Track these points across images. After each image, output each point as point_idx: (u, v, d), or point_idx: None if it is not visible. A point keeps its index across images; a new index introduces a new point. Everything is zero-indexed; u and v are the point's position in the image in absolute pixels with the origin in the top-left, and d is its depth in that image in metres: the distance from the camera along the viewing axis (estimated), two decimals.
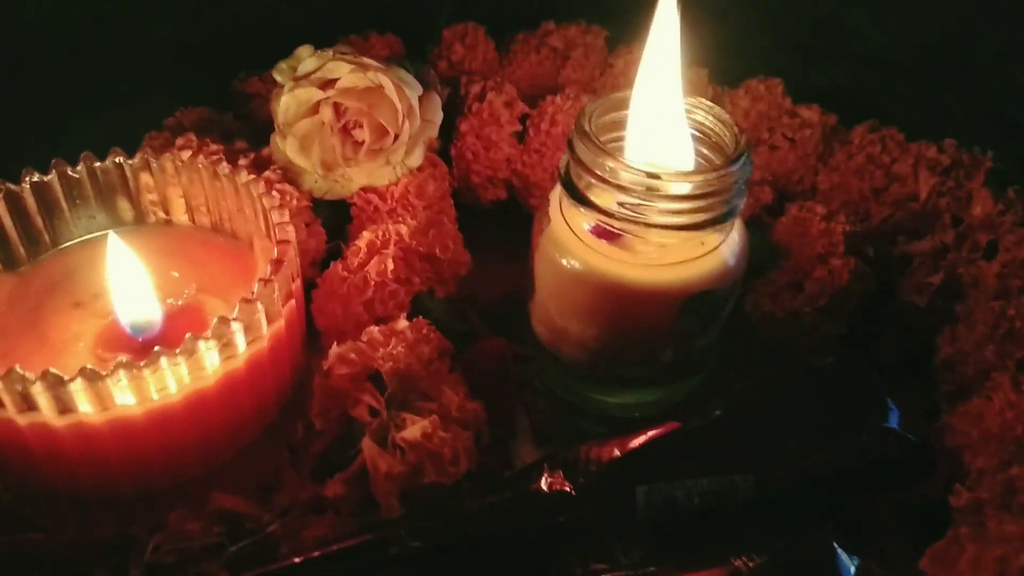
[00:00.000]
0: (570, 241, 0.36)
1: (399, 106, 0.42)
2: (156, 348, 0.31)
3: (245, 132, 0.47)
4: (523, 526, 0.33)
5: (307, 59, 0.42)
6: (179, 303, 0.37)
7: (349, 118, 0.42)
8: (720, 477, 0.33)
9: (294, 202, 0.43)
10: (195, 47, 0.53)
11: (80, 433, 0.31)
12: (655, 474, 0.33)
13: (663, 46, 0.35)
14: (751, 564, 0.30)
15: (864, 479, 0.35)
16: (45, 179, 0.38)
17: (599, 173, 0.33)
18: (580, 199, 0.34)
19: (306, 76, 0.42)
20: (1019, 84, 0.57)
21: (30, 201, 0.38)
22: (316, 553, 0.31)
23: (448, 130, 0.48)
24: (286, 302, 0.35)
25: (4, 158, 0.41)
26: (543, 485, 0.33)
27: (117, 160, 0.40)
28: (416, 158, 0.44)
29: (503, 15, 0.55)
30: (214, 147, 0.43)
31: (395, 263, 0.39)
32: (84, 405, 0.31)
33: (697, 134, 0.36)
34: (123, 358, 0.30)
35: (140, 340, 0.35)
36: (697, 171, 0.35)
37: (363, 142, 0.42)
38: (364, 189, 0.44)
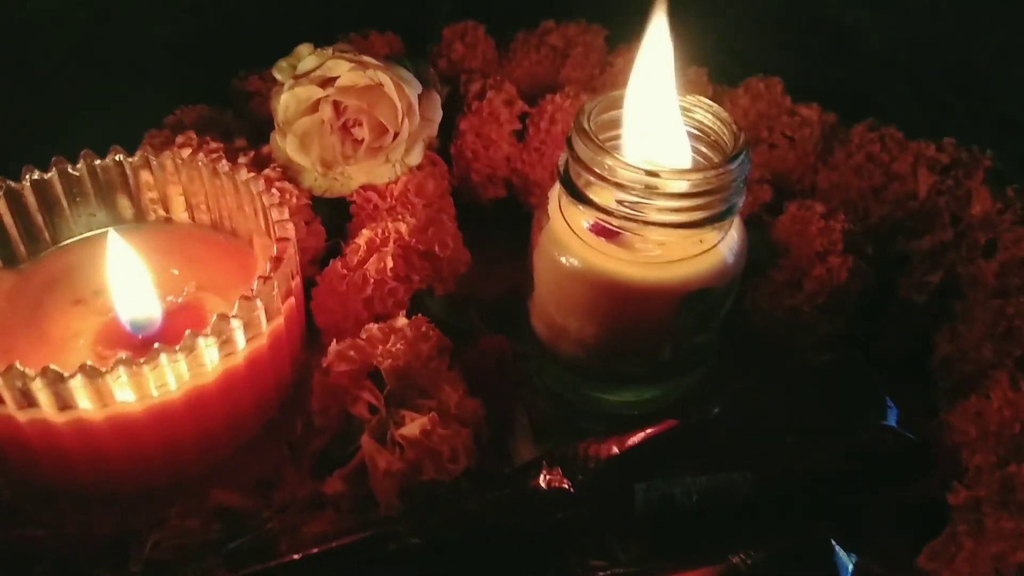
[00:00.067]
0: (569, 239, 0.36)
1: (399, 104, 0.42)
2: (156, 345, 0.31)
3: (245, 130, 0.47)
4: (522, 523, 0.33)
5: (307, 57, 0.42)
6: (179, 300, 0.37)
7: (349, 116, 0.42)
8: (718, 475, 0.33)
9: (294, 200, 0.43)
10: (195, 45, 0.53)
11: (80, 430, 0.31)
12: (654, 471, 0.33)
13: (657, 48, 0.35)
14: (749, 561, 0.30)
15: (862, 477, 0.35)
16: (45, 177, 0.38)
17: (598, 171, 0.33)
18: (579, 197, 0.34)
19: (306, 74, 0.42)
20: (1018, 83, 0.58)
21: (30, 199, 0.38)
22: (315, 550, 0.31)
23: (448, 128, 0.48)
24: (285, 299, 0.35)
25: (5, 156, 0.41)
26: (542, 482, 0.33)
27: (117, 158, 0.40)
28: (416, 156, 0.44)
29: (503, 14, 0.55)
30: (214, 145, 0.44)
31: (394, 261, 0.39)
32: (84, 402, 0.31)
33: (696, 132, 0.36)
34: (123, 355, 0.30)
35: (140, 337, 0.35)
36: (696, 169, 0.35)
37: (363, 140, 0.42)
38: (364, 187, 0.44)
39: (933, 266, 0.41)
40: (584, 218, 0.35)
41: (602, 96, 0.36)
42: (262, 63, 0.48)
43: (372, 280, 0.39)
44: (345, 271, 0.40)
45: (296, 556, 0.31)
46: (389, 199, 0.44)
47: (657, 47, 0.35)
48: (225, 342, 0.33)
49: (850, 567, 0.30)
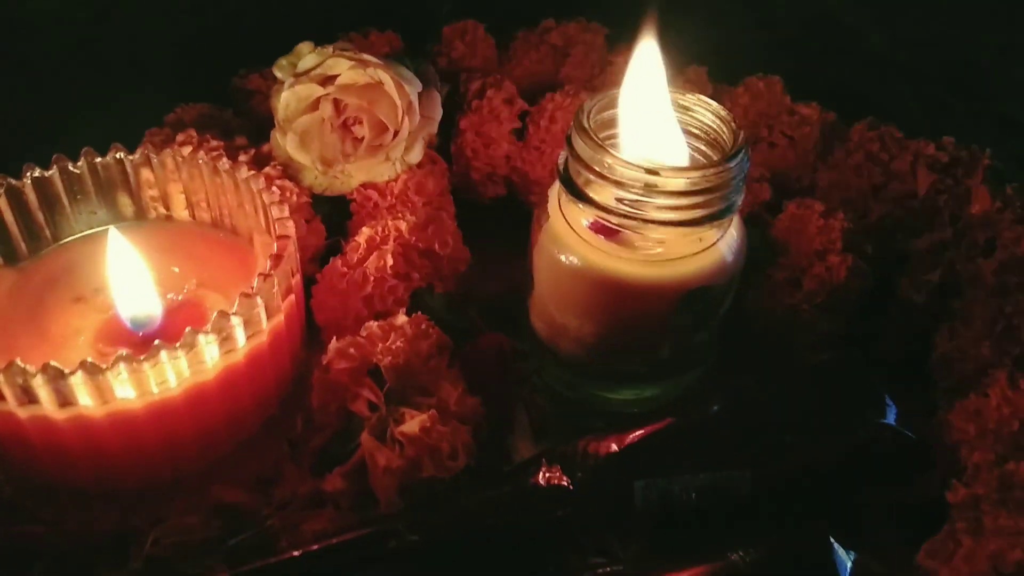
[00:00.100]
0: (569, 237, 0.36)
1: (399, 102, 0.42)
2: (156, 342, 0.31)
3: (245, 128, 0.48)
4: (521, 521, 0.33)
5: (307, 55, 0.42)
6: (179, 298, 0.37)
7: (349, 114, 0.42)
8: (718, 473, 0.33)
9: (294, 198, 0.43)
10: (195, 44, 0.53)
11: (80, 426, 0.31)
12: (653, 469, 0.33)
13: (648, 59, 0.35)
14: (748, 559, 0.31)
15: (861, 475, 0.35)
16: (46, 174, 0.39)
17: (597, 169, 0.33)
18: (579, 195, 0.34)
19: (306, 72, 0.42)
20: (1018, 83, 0.58)
21: (31, 196, 0.38)
22: (315, 546, 0.31)
23: (448, 127, 0.48)
24: (285, 297, 0.35)
25: (6, 154, 0.41)
26: (541, 480, 0.33)
27: (118, 156, 0.40)
28: (416, 154, 0.44)
29: (503, 12, 0.55)
30: (214, 143, 0.44)
31: (394, 259, 0.39)
32: (84, 398, 0.31)
33: (695, 131, 0.36)
34: (123, 351, 0.30)
35: (140, 335, 0.35)
36: (695, 167, 0.35)
37: (363, 138, 0.43)
38: (364, 185, 0.45)
39: (932, 265, 0.41)
40: (584, 216, 0.35)
41: (602, 94, 0.36)
42: (262, 61, 0.48)
43: (372, 278, 0.39)
44: (345, 269, 0.40)
45: (296, 553, 0.31)
46: (389, 197, 0.44)
47: (647, 59, 0.35)
48: (225, 339, 0.33)
49: (849, 564, 0.30)
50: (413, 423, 0.33)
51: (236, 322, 0.33)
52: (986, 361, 0.37)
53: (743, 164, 0.33)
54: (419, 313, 0.37)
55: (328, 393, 0.35)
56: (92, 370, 0.30)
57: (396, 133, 0.43)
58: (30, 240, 0.39)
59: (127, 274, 0.36)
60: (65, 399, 0.31)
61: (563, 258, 0.36)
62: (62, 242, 0.40)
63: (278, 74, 0.43)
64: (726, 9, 0.59)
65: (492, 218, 0.48)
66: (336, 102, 0.42)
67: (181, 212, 0.42)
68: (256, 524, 0.33)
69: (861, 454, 0.35)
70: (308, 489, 0.35)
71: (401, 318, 0.37)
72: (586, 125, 0.34)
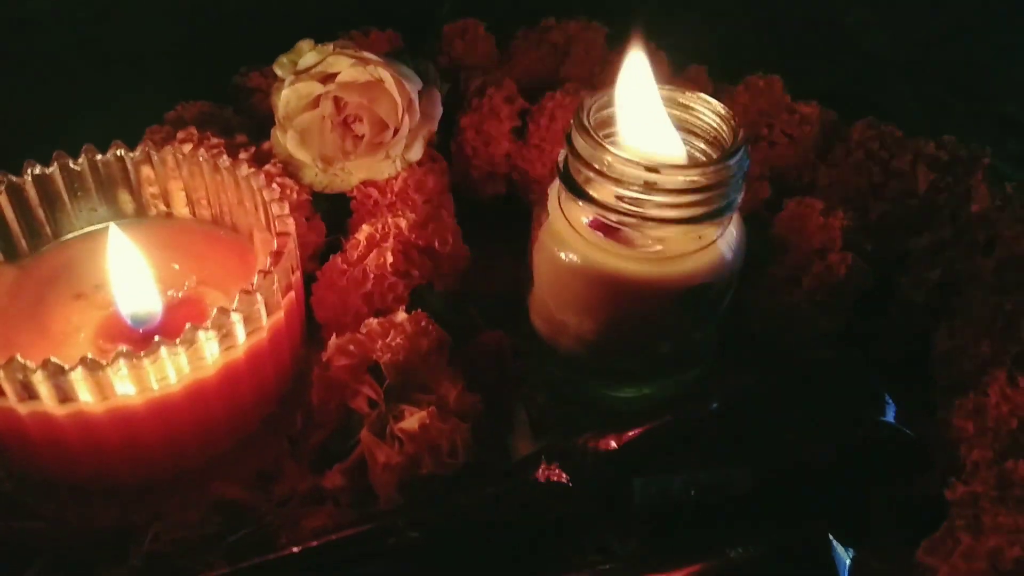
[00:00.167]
0: (569, 235, 0.36)
1: (399, 100, 0.42)
2: (156, 338, 0.31)
3: (246, 126, 0.48)
4: (520, 517, 0.33)
5: (308, 53, 0.42)
6: (179, 295, 0.38)
7: (349, 112, 0.42)
8: (716, 469, 0.33)
9: (294, 195, 0.43)
10: (196, 42, 0.54)
11: (80, 422, 0.31)
12: (652, 466, 0.33)
13: (639, 57, 0.35)
14: (747, 556, 0.31)
15: (861, 473, 0.35)
16: (47, 171, 0.39)
17: (597, 167, 0.33)
18: (579, 193, 0.34)
19: (307, 70, 0.42)
20: (1018, 82, 0.58)
21: (32, 193, 0.38)
22: (315, 543, 0.31)
23: (448, 125, 0.48)
24: (285, 294, 0.35)
25: (6, 151, 0.41)
26: (540, 476, 0.33)
27: (118, 153, 0.40)
28: (416, 152, 0.44)
29: (503, 11, 0.55)
30: (215, 141, 0.44)
31: (394, 256, 0.39)
32: (84, 394, 0.31)
33: (695, 129, 0.36)
34: (123, 348, 0.30)
35: (141, 331, 0.35)
36: (695, 164, 0.35)
37: (363, 136, 0.43)
38: (364, 183, 0.45)
39: (932, 263, 0.41)
40: (584, 214, 0.35)
41: (602, 92, 0.36)
42: (263, 59, 0.48)
43: (372, 275, 0.39)
44: (345, 266, 0.40)
45: (296, 549, 0.31)
46: (389, 195, 0.44)
47: (639, 62, 0.35)
48: (225, 336, 0.33)
49: (848, 562, 0.30)
50: (412, 420, 0.33)
51: (236, 319, 0.33)
52: (985, 359, 0.37)
53: (743, 162, 0.33)
54: (419, 310, 0.37)
55: (328, 390, 0.35)
56: (92, 366, 0.30)
57: (396, 131, 0.43)
58: (31, 237, 0.39)
59: (127, 271, 0.36)
60: (65, 395, 0.31)
61: (563, 256, 0.36)
62: (63, 239, 0.40)
63: (278, 72, 0.43)
64: (726, 8, 0.59)
65: (492, 216, 0.48)
66: (336, 100, 0.42)
67: (181, 209, 0.42)
68: (256, 520, 0.33)
69: (860, 452, 0.35)
70: (308, 486, 0.35)
71: (401, 315, 0.37)
72: (586, 123, 0.34)
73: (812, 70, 0.57)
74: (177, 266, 0.39)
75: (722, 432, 0.35)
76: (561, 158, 0.35)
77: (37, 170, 0.38)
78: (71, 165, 0.39)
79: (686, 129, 0.36)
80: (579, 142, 0.33)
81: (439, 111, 0.45)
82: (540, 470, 0.33)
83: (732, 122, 0.35)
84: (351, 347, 0.35)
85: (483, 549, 0.33)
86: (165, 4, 0.53)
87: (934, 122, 0.56)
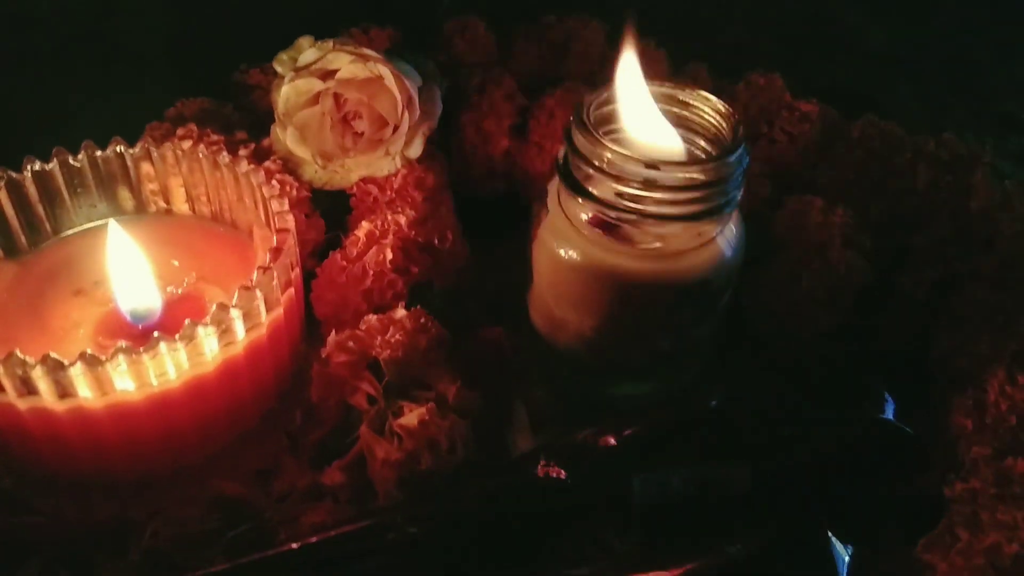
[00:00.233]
0: (568, 232, 0.36)
1: (399, 97, 0.42)
2: (156, 334, 0.31)
3: (245, 123, 0.48)
4: (519, 514, 0.33)
5: (307, 50, 0.42)
6: (179, 291, 0.38)
7: (349, 109, 0.42)
8: (716, 466, 0.33)
9: (294, 192, 0.43)
10: (196, 39, 0.54)
11: (80, 418, 0.31)
12: (651, 463, 0.33)
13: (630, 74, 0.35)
14: (745, 553, 0.31)
15: (859, 470, 0.35)
16: (47, 168, 0.39)
17: (597, 164, 0.33)
18: (578, 190, 0.34)
19: (306, 67, 0.42)
20: (1018, 80, 0.58)
21: (32, 189, 0.38)
22: (314, 539, 0.31)
23: (448, 122, 0.48)
24: (285, 290, 0.35)
25: (6, 147, 0.41)
26: (539, 473, 0.33)
27: (118, 149, 0.40)
28: (415, 149, 0.44)
29: (503, 8, 0.55)
30: (215, 137, 0.44)
31: (394, 253, 0.39)
32: (84, 390, 0.31)
33: (695, 126, 0.36)
34: (123, 343, 0.30)
35: (140, 327, 0.35)
36: (695, 161, 0.35)
37: (363, 133, 0.43)
38: (363, 180, 0.45)
39: (932, 260, 0.41)
40: (583, 211, 0.35)
41: (601, 90, 0.36)
42: (263, 56, 0.48)
43: (371, 272, 0.39)
44: (345, 263, 0.40)
45: (295, 545, 0.31)
46: (389, 192, 0.44)
47: (632, 64, 0.35)
48: (224, 332, 0.33)
49: (846, 558, 0.31)
50: (412, 416, 0.33)
51: (235, 315, 0.33)
52: (985, 357, 0.37)
53: (743, 159, 0.33)
54: (418, 307, 0.37)
55: (327, 386, 0.35)
56: (91, 362, 0.30)
57: (396, 128, 0.43)
58: (30, 233, 0.39)
59: (127, 267, 0.36)
60: (64, 391, 0.31)
61: (562, 253, 0.36)
62: (62, 235, 0.40)
63: (278, 68, 0.43)
64: (727, 6, 0.59)
65: (491, 213, 0.48)
66: (336, 96, 0.42)
67: (181, 206, 0.42)
68: (255, 516, 0.33)
69: (859, 449, 0.35)
70: (307, 482, 0.35)
71: (400, 312, 0.37)
72: (585, 120, 0.34)
73: (812, 68, 0.57)
74: (177, 262, 0.39)
75: (721, 428, 0.35)
76: (561, 155, 0.35)
77: (37, 166, 0.38)
78: (71, 161, 0.39)
79: (686, 126, 0.36)
80: (579, 139, 0.33)
81: (439, 108, 0.45)
82: (539, 467, 0.33)
83: (732, 119, 0.35)
84: (350, 343, 0.35)
85: (482, 545, 0.33)
86: (165, 1, 0.53)
87: (934, 120, 0.56)
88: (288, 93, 0.42)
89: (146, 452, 0.34)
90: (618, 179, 0.33)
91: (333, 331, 0.36)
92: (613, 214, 0.34)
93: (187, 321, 0.31)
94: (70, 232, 0.40)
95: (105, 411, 0.31)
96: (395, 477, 0.33)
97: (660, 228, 0.34)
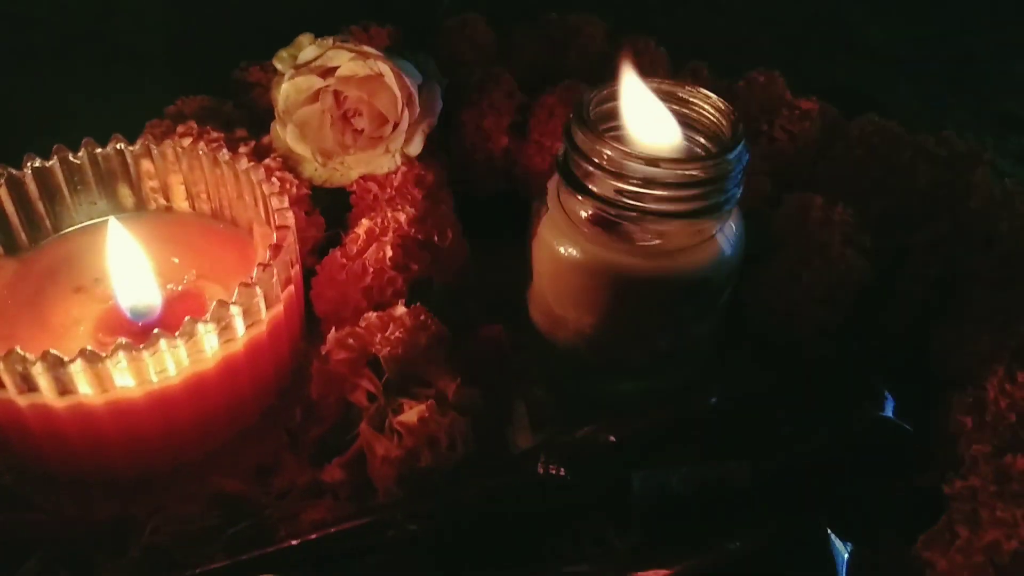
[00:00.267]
0: (568, 229, 0.36)
1: (399, 94, 0.42)
2: (156, 331, 0.31)
3: (245, 120, 0.48)
4: (519, 511, 0.33)
5: (308, 47, 0.42)
6: (179, 288, 0.38)
7: (349, 106, 0.42)
8: (715, 464, 0.33)
9: (293, 189, 0.43)
10: (196, 37, 0.54)
11: (80, 415, 0.31)
12: (650, 460, 0.33)
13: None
14: (745, 550, 0.31)
15: (859, 467, 0.35)
16: (47, 165, 0.39)
17: (597, 161, 0.33)
18: (578, 187, 0.34)
19: (306, 64, 0.42)
20: (1018, 79, 0.58)
21: (32, 187, 0.38)
22: (313, 536, 0.31)
23: (448, 120, 0.48)
24: (285, 287, 0.35)
25: (7, 144, 0.41)
26: (539, 470, 0.33)
27: (118, 147, 0.40)
28: (415, 147, 0.44)
29: (503, 6, 0.55)
30: (215, 135, 0.44)
31: (394, 251, 0.39)
32: (84, 387, 0.31)
33: (695, 124, 0.36)
34: (123, 340, 0.30)
35: (140, 324, 0.35)
36: (695, 159, 0.35)
37: (363, 130, 0.43)
38: (363, 177, 0.45)
39: (932, 258, 0.41)
40: (583, 208, 0.35)
41: (601, 87, 0.36)
42: (263, 54, 0.48)
43: (371, 269, 0.39)
44: (344, 260, 0.40)
45: (295, 542, 0.31)
46: (389, 189, 0.44)
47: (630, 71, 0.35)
48: (224, 328, 0.33)
49: (846, 556, 0.30)
50: (411, 413, 0.33)
51: (235, 312, 0.33)
52: (984, 354, 0.36)
53: (742, 156, 0.33)
54: (418, 304, 0.37)
55: (327, 383, 0.35)
56: (92, 358, 0.30)
57: (396, 125, 0.43)
58: (30, 230, 0.39)
59: (127, 264, 0.36)
60: (65, 387, 0.31)
61: (562, 250, 0.36)
62: (62, 232, 0.40)
63: (278, 66, 0.43)
64: (727, 4, 0.59)
65: (491, 211, 0.48)
66: (336, 94, 0.42)
67: (181, 203, 0.42)
68: (255, 514, 0.33)
69: (859, 447, 0.35)
70: (307, 479, 0.35)
71: (400, 309, 0.37)
72: (585, 117, 0.34)
73: (813, 67, 0.57)
74: (177, 260, 0.39)
75: (721, 426, 0.35)
76: (561, 152, 0.35)
77: (37, 163, 0.38)
78: (71, 159, 0.39)
79: (686, 124, 0.36)
80: (579, 136, 0.33)
81: (439, 105, 0.45)
82: (539, 464, 0.33)
83: (732, 117, 0.35)
84: (350, 341, 0.35)
85: (482, 542, 0.33)
86: (165, 0, 0.53)
87: (934, 119, 0.56)
88: (288, 90, 0.42)
89: (146, 449, 0.34)
90: (618, 176, 0.33)
91: (333, 328, 0.36)
92: (613, 211, 0.34)
93: (187, 318, 0.31)
94: (70, 229, 0.40)
95: (105, 408, 0.32)
96: (395, 474, 0.33)
97: (660, 225, 0.34)
